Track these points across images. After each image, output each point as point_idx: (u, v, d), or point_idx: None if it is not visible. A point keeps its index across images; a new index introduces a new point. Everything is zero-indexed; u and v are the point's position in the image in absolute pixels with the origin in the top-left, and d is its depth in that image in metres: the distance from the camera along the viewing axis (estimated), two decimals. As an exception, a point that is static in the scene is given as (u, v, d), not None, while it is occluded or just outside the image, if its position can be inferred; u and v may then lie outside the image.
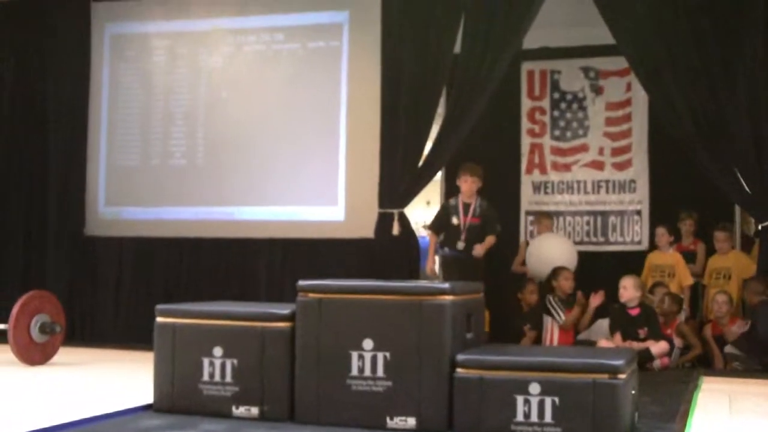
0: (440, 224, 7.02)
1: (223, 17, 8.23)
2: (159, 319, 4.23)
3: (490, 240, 6.91)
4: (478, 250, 6.79)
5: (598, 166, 8.14)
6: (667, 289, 7.00)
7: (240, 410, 4.01)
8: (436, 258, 7.21)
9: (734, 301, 6.92)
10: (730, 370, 6.45)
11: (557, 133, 8.27)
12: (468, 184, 6.93)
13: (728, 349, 6.56)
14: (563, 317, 6.93)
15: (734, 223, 7.55)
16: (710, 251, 7.36)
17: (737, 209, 7.52)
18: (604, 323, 6.96)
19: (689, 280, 7.23)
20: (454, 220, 6.92)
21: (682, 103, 6.68)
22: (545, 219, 7.88)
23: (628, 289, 6.51)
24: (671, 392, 5.04)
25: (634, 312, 6.53)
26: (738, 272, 7.09)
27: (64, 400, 4.50)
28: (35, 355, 5.98)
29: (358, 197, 7.63)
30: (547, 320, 7.05)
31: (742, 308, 7.03)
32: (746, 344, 6.46)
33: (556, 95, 8.31)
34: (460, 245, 6.84)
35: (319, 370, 3.89)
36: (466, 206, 6.94)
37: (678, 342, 6.70)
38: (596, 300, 6.86)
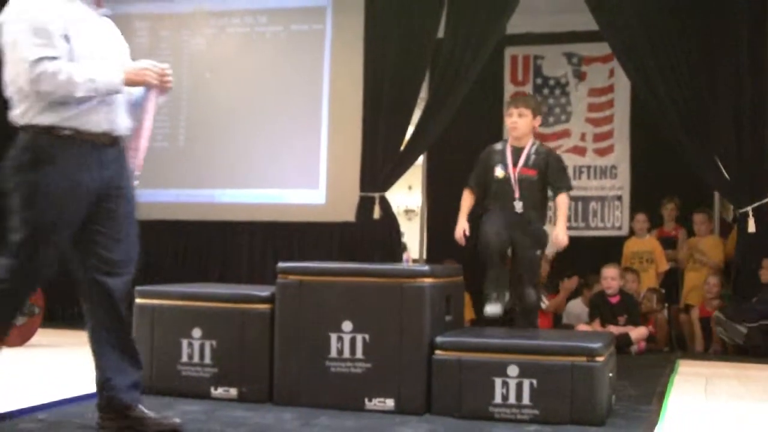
0: (479, 178, 5.03)
1: (205, -2, 8.18)
2: (138, 301, 4.20)
3: (563, 205, 4.96)
4: (561, 238, 4.91)
5: (579, 151, 8.16)
6: (636, 276, 7.00)
7: (218, 391, 4.00)
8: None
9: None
10: (708, 353, 6.50)
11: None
12: (513, 120, 4.89)
13: (717, 313, 6.46)
14: (547, 302, 6.99)
15: (713, 209, 7.59)
16: (691, 237, 7.40)
17: (716, 195, 7.56)
18: (577, 304, 7.08)
19: (665, 266, 7.28)
20: (498, 172, 4.90)
21: (664, 90, 6.70)
22: None
23: (616, 280, 6.60)
24: (648, 375, 5.08)
25: (614, 300, 6.60)
26: (714, 257, 7.13)
27: (42, 381, 4.48)
28: (12, 336, 5.91)
29: (340, 180, 7.62)
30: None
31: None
32: (736, 312, 6.34)
33: (539, 80, 8.32)
34: (518, 206, 4.86)
35: (298, 352, 3.88)
36: (517, 152, 4.91)
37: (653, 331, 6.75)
38: (571, 284, 7.13)
